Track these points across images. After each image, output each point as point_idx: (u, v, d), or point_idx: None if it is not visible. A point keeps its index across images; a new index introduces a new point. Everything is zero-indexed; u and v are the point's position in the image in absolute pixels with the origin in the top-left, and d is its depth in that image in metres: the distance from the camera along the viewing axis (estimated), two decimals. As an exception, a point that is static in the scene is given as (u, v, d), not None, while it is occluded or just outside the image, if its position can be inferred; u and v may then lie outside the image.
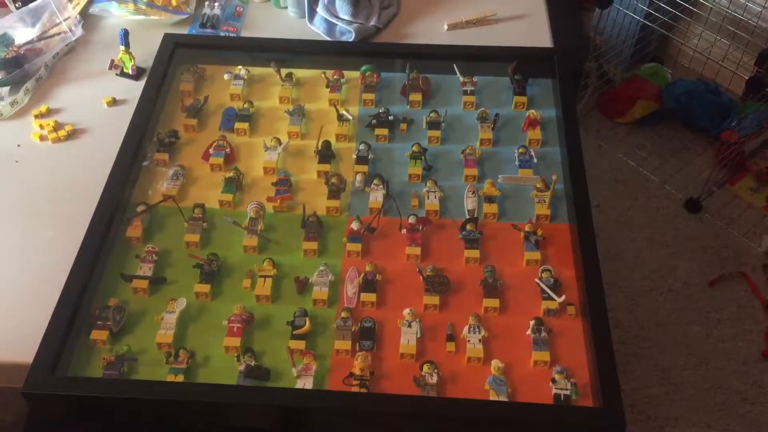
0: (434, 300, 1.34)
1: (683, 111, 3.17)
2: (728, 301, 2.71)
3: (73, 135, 1.65)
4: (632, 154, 3.10)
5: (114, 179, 1.47)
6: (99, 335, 1.28)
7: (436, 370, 1.24)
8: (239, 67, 1.73)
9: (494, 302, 1.34)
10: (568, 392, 1.21)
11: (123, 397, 1.18)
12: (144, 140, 1.57)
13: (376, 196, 1.50)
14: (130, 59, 1.74)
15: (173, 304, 1.31)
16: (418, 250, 1.41)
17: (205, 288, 1.35)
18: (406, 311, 1.31)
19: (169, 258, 1.42)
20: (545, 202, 1.48)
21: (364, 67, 1.72)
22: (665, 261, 2.81)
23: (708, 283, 2.79)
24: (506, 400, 1.21)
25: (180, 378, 1.23)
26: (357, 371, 1.23)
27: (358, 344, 1.29)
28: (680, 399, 2.44)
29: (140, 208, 1.46)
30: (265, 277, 1.36)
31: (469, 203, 1.49)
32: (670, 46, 3.37)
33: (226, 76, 1.72)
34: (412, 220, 1.45)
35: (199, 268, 1.37)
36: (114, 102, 1.70)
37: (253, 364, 1.24)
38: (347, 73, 1.74)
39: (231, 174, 1.52)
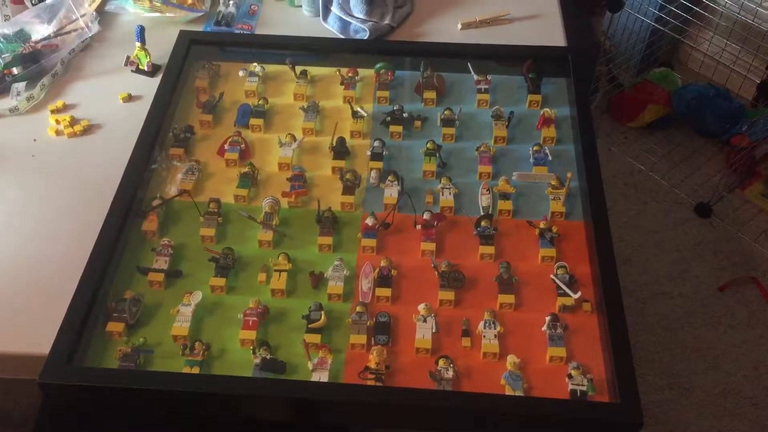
0: (449, 295, 1.34)
1: (693, 115, 3.17)
2: (739, 305, 2.70)
3: (89, 130, 1.65)
4: (642, 159, 3.09)
5: (130, 174, 1.48)
6: (115, 327, 1.28)
7: (451, 365, 1.24)
8: (254, 64, 1.74)
9: (509, 298, 1.33)
10: (584, 388, 1.21)
11: (138, 388, 1.18)
12: (159, 135, 1.57)
13: (391, 192, 1.50)
14: (146, 56, 1.74)
15: (189, 297, 1.32)
16: (432, 246, 1.41)
17: (221, 282, 1.35)
18: (421, 306, 1.31)
19: (184, 252, 1.42)
20: (560, 199, 1.48)
21: (378, 65, 1.73)
22: (675, 265, 2.80)
23: (718, 288, 2.78)
24: (522, 395, 1.21)
25: (196, 370, 1.23)
26: (372, 365, 1.23)
27: (373, 338, 1.29)
28: (691, 404, 2.43)
29: (156, 202, 1.46)
30: (280, 271, 1.36)
31: (484, 200, 1.49)
32: (680, 51, 3.37)
33: (241, 73, 1.72)
34: (426, 216, 1.45)
35: (215, 261, 1.38)
36: (129, 98, 1.71)
37: (268, 357, 1.24)
38: (362, 71, 1.74)
39: (246, 169, 1.53)
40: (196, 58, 1.76)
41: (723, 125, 3.13)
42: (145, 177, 1.51)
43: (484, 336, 1.29)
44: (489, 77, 1.70)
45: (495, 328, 1.29)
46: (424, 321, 1.30)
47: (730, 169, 3.02)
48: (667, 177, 3.04)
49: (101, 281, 1.31)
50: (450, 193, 1.50)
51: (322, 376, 1.23)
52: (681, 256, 2.83)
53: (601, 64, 3.16)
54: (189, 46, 1.75)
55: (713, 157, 3.14)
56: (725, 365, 2.52)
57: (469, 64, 1.72)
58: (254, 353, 1.25)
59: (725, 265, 2.83)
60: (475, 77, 1.71)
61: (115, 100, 1.71)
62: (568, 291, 1.33)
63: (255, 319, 1.29)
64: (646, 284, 2.71)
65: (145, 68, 1.75)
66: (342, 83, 1.71)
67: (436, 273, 1.36)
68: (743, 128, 3.02)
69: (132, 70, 1.77)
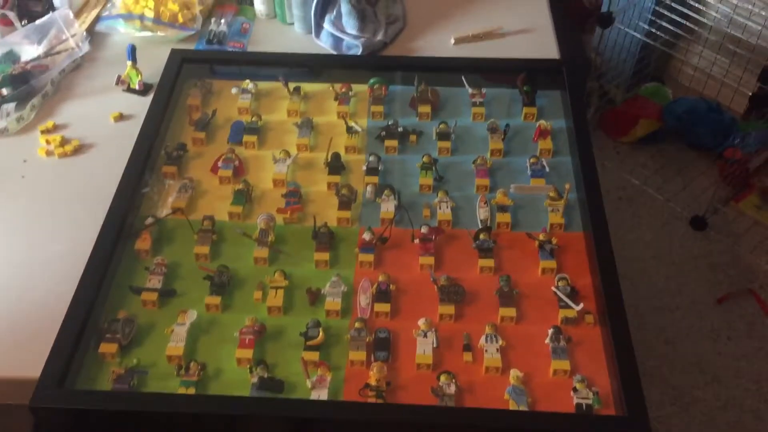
0: (449, 310, 1.32)
1: (685, 129, 3.17)
2: (737, 318, 2.68)
3: (80, 150, 1.63)
4: (636, 173, 3.09)
5: (121, 193, 1.45)
6: (108, 348, 1.25)
7: (453, 380, 1.21)
8: (246, 81, 1.72)
9: (511, 311, 1.31)
10: (590, 401, 1.19)
11: (133, 410, 1.15)
12: (152, 154, 1.55)
13: (388, 207, 1.48)
14: (137, 74, 1.73)
15: (183, 316, 1.29)
16: (431, 260, 1.39)
17: (216, 300, 1.32)
18: (421, 321, 1.29)
19: (178, 270, 1.39)
20: (559, 210, 1.46)
21: (372, 80, 1.71)
22: (672, 279, 2.79)
23: (716, 301, 2.77)
24: (527, 409, 1.18)
25: (191, 391, 1.20)
26: (373, 382, 1.21)
27: (372, 355, 1.26)
28: (692, 418, 2.40)
29: (149, 221, 1.44)
30: (276, 288, 1.34)
31: (482, 213, 1.48)
32: (671, 66, 3.39)
33: (233, 91, 1.71)
34: (424, 230, 1.43)
35: (209, 279, 1.35)
36: (121, 117, 1.69)
37: (266, 376, 1.22)
38: (355, 87, 1.73)
39: (240, 186, 1.51)
40: (188, 77, 1.75)
41: (715, 138, 3.13)
42: (137, 196, 1.48)
43: (486, 350, 1.26)
44: (483, 91, 1.69)
45: (497, 342, 1.27)
46: (425, 336, 1.28)
47: (724, 182, 3.02)
48: (661, 191, 3.03)
49: (93, 302, 1.29)
50: (447, 207, 1.48)
51: (321, 394, 1.20)
52: (678, 269, 2.81)
53: (593, 80, 3.16)
54: (181, 65, 1.73)
55: (706, 170, 3.14)
56: (726, 378, 2.50)
57: (463, 77, 1.71)
58: (251, 372, 1.22)
59: (722, 278, 2.82)
60: (470, 91, 1.70)
61: (106, 119, 1.69)
62: (570, 303, 1.31)
63: (251, 337, 1.27)
64: (644, 298, 2.69)
65: (137, 87, 1.74)
66: (336, 99, 1.69)
67: (436, 287, 1.34)
68: (735, 141, 3.02)
69: (123, 90, 1.75)
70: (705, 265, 2.83)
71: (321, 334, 1.26)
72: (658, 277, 2.77)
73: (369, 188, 1.51)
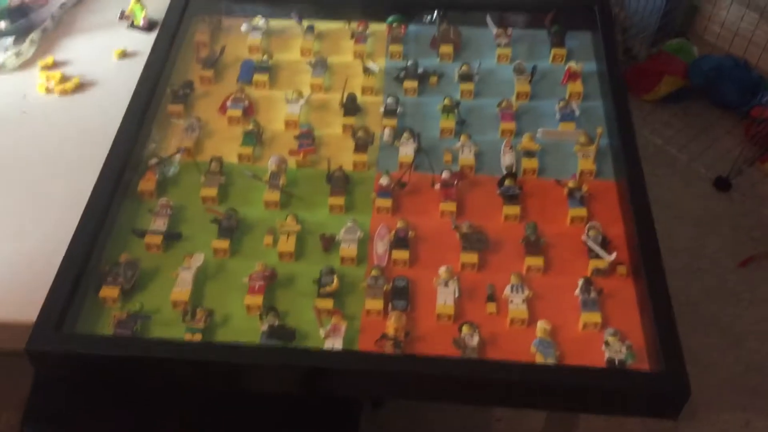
0: (472, 258, 1.23)
1: (711, 87, 3.06)
2: (760, 282, 2.60)
3: (81, 88, 1.54)
4: (659, 132, 2.98)
5: (125, 130, 1.37)
6: (109, 292, 1.18)
7: (476, 332, 1.14)
8: (258, 17, 1.62)
9: (538, 261, 1.23)
10: (622, 356, 1.11)
11: (135, 356, 1.07)
12: (157, 91, 1.46)
13: (406, 151, 1.39)
14: (142, 10, 1.63)
15: (189, 260, 1.21)
16: (453, 206, 1.30)
17: (224, 244, 1.24)
18: (441, 269, 1.21)
19: (184, 213, 1.31)
20: (590, 156, 1.37)
21: (390, 18, 1.61)
22: (694, 240, 2.70)
23: (738, 264, 2.68)
24: (555, 363, 1.10)
25: (198, 338, 1.13)
26: (390, 332, 1.13)
27: (390, 304, 1.18)
28: (712, 382, 2.33)
29: (153, 161, 1.35)
30: (288, 233, 1.26)
31: (507, 159, 1.39)
32: (696, 22, 3.26)
33: (243, 28, 1.61)
34: (445, 175, 1.34)
35: (217, 223, 1.27)
36: (124, 55, 1.60)
37: (276, 324, 1.14)
38: (373, 25, 1.63)
39: (250, 127, 1.42)
40: (195, 13, 1.65)
41: (742, 97, 3.02)
42: (142, 134, 1.40)
43: (511, 301, 1.18)
44: (509, 30, 1.59)
45: (523, 293, 1.19)
46: (446, 285, 1.20)
47: (750, 142, 2.91)
48: (685, 150, 2.93)
49: (93, 244, 1.21)
50: (470, 151, 1.39)
51: (335, 344, 1.12)
52: (699, 230, 2.72)
53: (615, 35, 3.04)
54: (188, 1, 1.63)
55: (732, 129, 3.03)
56: (747, 342, 2.42)
57: (488, 16, 1.61)
58: (261, 320, 1.14)
59: (745, 240, 2.72)
60: (495, 31, 1.59)
61: (109, 56, 1.60)
62: (601, 252, 1.22)
63: (262, 283, 1.19)
64: (665, 259, 2.60)
65: (141, 24, 1.64)
66: (352, 38, 1.60)
67: (458, 234, 1.26)
68: (763, 100, 2.91)
69: (127, 26, 1.66)
70: (728, 227, 2.74)
71: (336, 281, 1.19)
72: (679, 237, 2.68)
73: (387, 131, 1.42)
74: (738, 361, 2.36)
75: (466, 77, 1.52)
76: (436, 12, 1.61)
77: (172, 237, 1.27)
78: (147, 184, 1.33)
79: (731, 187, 2.82)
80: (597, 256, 1.23)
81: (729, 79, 2.98)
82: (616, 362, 1.11)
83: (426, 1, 1.66)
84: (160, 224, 1.27)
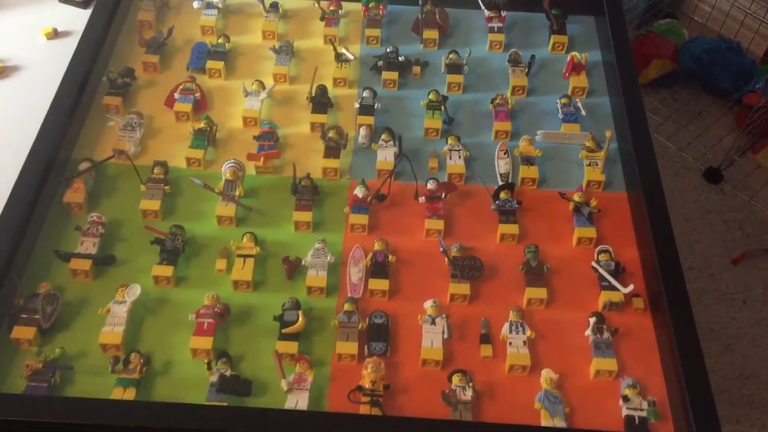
0: (463, 289, 1.05)
1: (702, 72, 2.89)
2: (754, 281, 2.45)
3: (2, 73, 1.31)
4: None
5: (49, 127, 1.15)
6: (23, 333, 0.97)
7: (469, 383, 0.95)
8: (212, -8, 1.40)
9: (540, 292, 1.05)
10: (644, 414, 0.93)
11: (50, 422, 0.86)
12: (91, 79, 1.24)
13: (386, 155, 1.19)
14: (77, -19, 1.40)
15: (123, 292, 1.01)
16: (440, 224, 1.11)
17: (167, 271, 1.04)
18: (428, 304, 1.02)
19: (119, 231, 1.11)
20: (598, 165, 1.18)
21: (366, -3, 1.40)
22: (684, 236, 2.54)
23: (731, 261, 2.52)
24: (564, 424, 0.92)
25: (131, 393, 0.93)
26: (367, 383, 0.94)
27: (366, 347, 0.99)
28: (706, 391, 2.18)
29: (83, 166, 1.14)
30: (244, 257, 1.06)
31: (502, 165, 1.20)
32: (686, 2, 3.09)
33: (195, 5, 1.39)
34: (431, 185, 1.14)
35: (159, 244, 1.07)
36: (55, 34, 1.38)
37: (228, 373, 0.95)
38: (346, 5, 1.42)
39: (202, 125, 1.21)
40: (138, -15, 1.42)
41: (735, 83, 2.86)
42: (70, 133, 1.18)
43: (510, 343, 1.00)
44: (503, 14, 1.39)
45: (523, 333, 1.00)
46: (432, 323, 1.01)
47: (742, 131, 2.76)
48: (673, 139, 2.77)
49: (7, 268, 1.00)
50: (460, 157, 1.20)
51: (300, 400, 0.93)
52: (690, 225, 2.57)
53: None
54: (130, -30, 1.41)
55: (722, 117, 2.87)
56: (741, 347, 2.28)
57: (478, -3, 1.41)
58: (210, 368, 0.95)
59: (737, 236, 2.57)
60: (486, 13, 1.40)
61: (36, 36, 1.38)
62: (617, 284, 1.04)
63: (211, 321, 0.99)
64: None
65: (76, -3, 1.41)
66: (322, 19, 1.38)
67: (446, 259, 1.06)
68: (757, 86, 2.76)
69: (59, 1, 1.42)
70: (719, 222, 2.59)
71: (301, 318, 0.99)
72: (670, 234, 2.52)
73: (362, 131, 1.22)
74: (732, 367, 2.22)
75: (454, 67, 1.32)
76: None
77: (103, 261, 1.06)
78: (75, 194, 1.11)
79: (722, 178, 2.67)
80: (610, 287, 1.05)
81: (721, 64, 2.82)
82: (636, 421, 0.93)
83: (407, -23, 1.44)
84: (89, 245, 1.06)
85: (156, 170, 1.15)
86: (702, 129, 2.87)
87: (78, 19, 1.39)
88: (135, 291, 1.00)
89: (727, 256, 2.53)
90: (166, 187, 1.13)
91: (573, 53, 1.33)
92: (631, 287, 1.03)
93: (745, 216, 2.65)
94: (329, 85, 1.29)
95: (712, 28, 2.99)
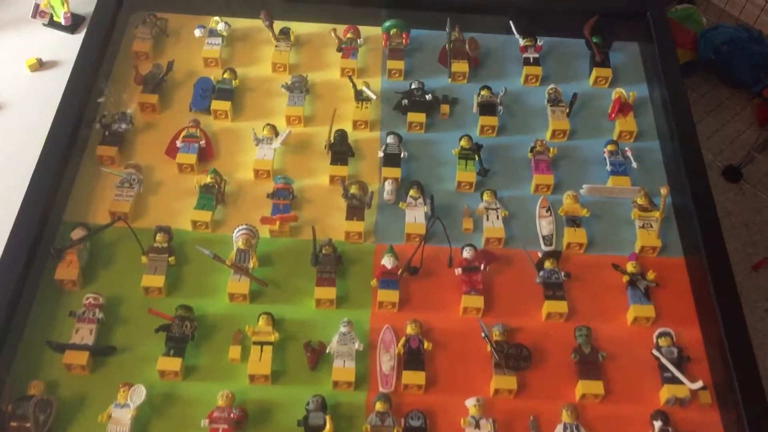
0: (509, 383, 0.94)
1: (721, 63, 2.76)
2: (776, 287, 2.36)
3: (-21, 114, 1.17)
4: (665, 113, 2.68)
5: (37, 189, 1.02)
6: (13, 446, 0.85)
7: (522, 500, 0.84)
8: (215, 18, 1.25)
9: (595, 386, 0.94)
10: None
11: None
12: (82, 126, 1.10)
13: (415, 215, 1.07)
14: (63, 3, 1.25)
15: (126, 393, 0.88)
16: (480, 301, 0.99)
17: (175, 364, 0.92)
18: (470, 402, 0.91)
19: (119, 311, 0.99)
20: (652, 227, 1.06)
21: (387, 24, 1.26)
22: (704, 241, 2.43)
23: (752, 267, 2.42)
24: None
25: None
26: (406, 505, 0.83)
27: (404, 456, 0.88)
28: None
29: (76, 234, 1.01)
30: (261, 344, 0.93)
31: (545, 226, 1.08)
32: (703, -15, 2.94)
33: (197, 32, 1.24)
34: (468, 254, 1.02)
35: (165, 331, 0.94)
36: (40, 65, 1.23)
37: (248, 492, 0.83)
38: (365, 30, 1.28)
39: (208, 179, 1.08)
40: (133, 7, 1.28)
41: (755, 75, 2.73)
42: (61, 191, 1.04)
43: (565, 448, 0.89)
44: (540, 42, 1.24)
45: (579, 435, 0.89)
46: (476, 426, 0.89)
47: (761, 126, 2.64)
48: (692, 134, 2.64)
49: (-8, 367, 0.87)
50: (498, 217, 1.07)
51: None
52: (709, 229, 2.46)
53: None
54: (123, -9, 1.26)
55: (741, 110, 2.75)
56: (764, 358, 2.19)
57: (511, 22, 1.26)
58: (227, 489, 0.83)
59: (758, 240, 2.47)
60: (521, 42, 1.25)
61: (19, 68, 1.24)
62: (682, 378, 0.93)
63: (227, 427, 0.87)
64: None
65: (62, 21, 1.28)
66: (339, 50, 1.24)
67: (489, 345, 0.95)
68: (779, 79, 2.63)
69: (44, 24, 1.27)
70: (739, 224, 2.48)
71: (329, 425, 0.87)
72: (687, 239, 2.42)
73: (388, 185, 1.10)
74: (754, 382, 2.14)
75: (487, 107, 1.18)
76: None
77: (102, 352, 0.94)
78: (67, 270, 0.98)
79: (742, 177, 2.56)
80: (673, 378, 0.93)
81: (742, 55, 2.68)
82: None
83: (434, 1, 1.28)
84: (85, 333, 0.94)
85: (158, 237, 1.02)
86: (720, 123, 2.75)
87: (66, 46, 1.25)
88: (140, 394, 0.88)
89: (748, 261, 2.43)
90: (170, 259, 1.00)
91: (619, 90, 1.20)
92: (699, 383, 0.92)
93: (766, 217, 2.55)
94: (348, 127, 1.16)
95: (731, 13, 2.85)
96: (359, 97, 1.18)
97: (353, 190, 1.07)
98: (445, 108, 1.19)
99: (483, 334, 0.96)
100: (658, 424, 0.90)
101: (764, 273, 2.38)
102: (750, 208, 2.54)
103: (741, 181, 2.59)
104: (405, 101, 1.18)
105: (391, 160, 1.12)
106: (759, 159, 2.62)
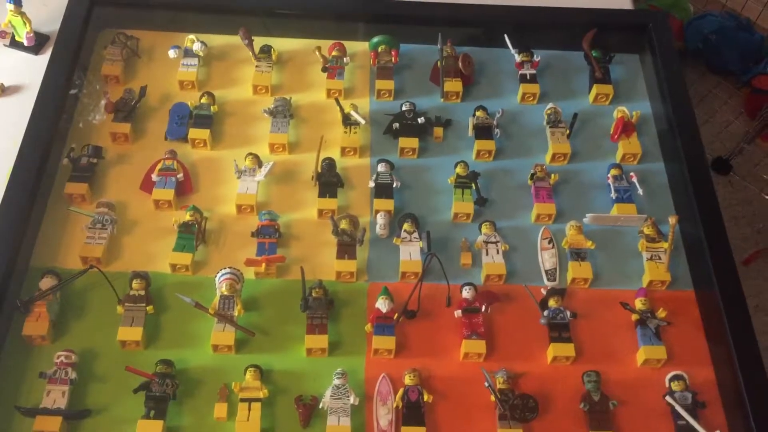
0: (516, 435, 0.87)
1: (710, 52, 2.72)
2: (767, 284, 2.34)
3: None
4: (650, 104, 2.64)
5: (2, 229, 0.94)
6: None
7: None
8: (191, 37, 1.17)
9: (607, 438, 0.88)
10: None
11: None
12: (49, 162, 1.02)
13: (410, 252, 1.00)
14: (25, 23, 1.16)
15: (104, 464, 0.81)
16: (481, 346, 0.93)
17: (155, 427, 0.85)
18: (476, 461, 0.84)
19: (94, 367, 0.92)
20: (661, 259, 1.00)
21: (375, 40, 1.19)
22: (694, 236, 2.40)
23: (742, 262, 2.39)
24: None
25: None
26: None
27: None
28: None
29: (45, 283, 0.93)
30: (249, 401, 0.87)
31: (547, 259, 1.02)
32: (689, -31, 2.89)
33: (171, 53, 1.16)
34: (467, 293, 0.96)
35: (144, 390, 0.87)
36: (2, 90, 1.14)
37: None
38: (351, 46, 1.20)
39: (188, 217, 1.00)
40: (101, 26, 1.19)
41: (744, 64, 2.69)
42: (26, 239, 0.96)
43: None
44: (536, 58, 1.17)
45: (591, 494, 0.84)
46: (483, 487, 0.84)
47: (750, 116, 2.60)
48: (680, 126, 2.60)
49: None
50: (498, 251, 1.01)
51: None
52: (698, 223, 2.43)
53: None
54: (90, 9, 1.17)
55: (729, 100, 2.71)
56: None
57: (506, 37, 1.19)
58: None
59: (748, 234, 2.44)
60: (517, 57, 1.18)
61: (-21, 94, 1.14)
62: (696, 426, 0.87)
63: (215, 500, 0.81)
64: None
65: (24, 41, 1.18)
66: (324, 69, 1.16)
67: (492, 395, 0.89)
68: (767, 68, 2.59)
69: (5, 45, 1.18)
70: (728, 218, 2.44)
71: (325, 492, 0.81)
72: (670, 231, 2.38)
73: (380, 219, 1.03)
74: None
75: (482, 130, 1.12)
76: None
77: (76, 416, 0.86)
78: (36, 325, 0.91)
79: (731, 169, 2.52)
80: (687, 426, 0.88)
81: (731, 43, 2.64)
82: None
83: (423, 15, 1.20)
84: (57, 395, 0.87)
85: (135, 284, 0.94)
86: (709, 114, 2.72)
87: (29, 68, 1.17)
88: (118, 466, 0.82)
89: (738, 256, 2.39)
90: (148, 308, 0.93)
91: (621, 109, 1.14)
92: (717, 434, 0.87)
93: (756, 210, 2.53)
94: (336, 154, 1.09)
95: (718, 0, 2.81)
96: (347, 121, 1.10)
97: (344, 225, 1.01)
98: (438, 131, 1.12)
99: (486, 384, 0.90)
100: (674, 481, 0.85)
101: (755, 268, 2.35)
102: (740, 201, 2.51)
103: (730, 173, 2.56)
104: (396, 125, 1.11)
105: (382, 190, 1.05)
106: (747, 149, 2.59)
